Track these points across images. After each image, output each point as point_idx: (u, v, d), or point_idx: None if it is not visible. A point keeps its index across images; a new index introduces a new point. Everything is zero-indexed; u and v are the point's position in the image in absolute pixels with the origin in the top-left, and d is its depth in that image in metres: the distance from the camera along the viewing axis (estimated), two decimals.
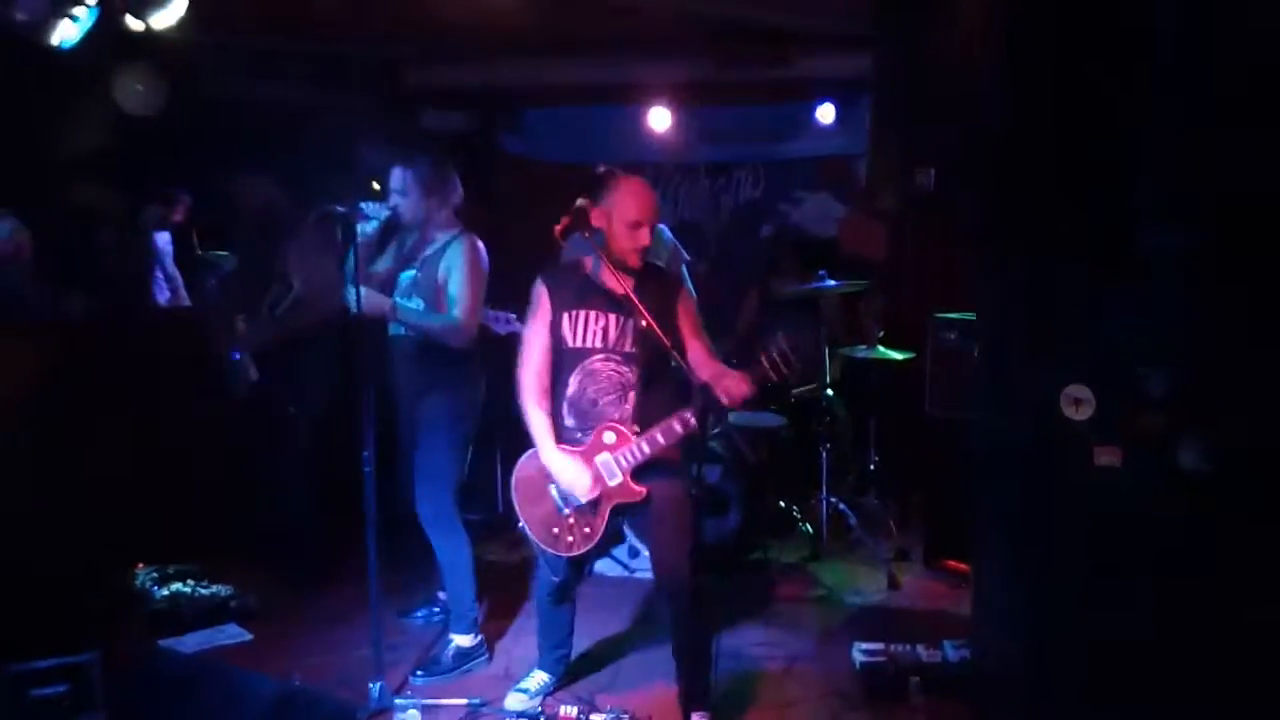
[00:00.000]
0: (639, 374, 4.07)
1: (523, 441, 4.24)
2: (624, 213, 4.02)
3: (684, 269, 6.01)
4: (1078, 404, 3.42)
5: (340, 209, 4.36)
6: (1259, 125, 3.14)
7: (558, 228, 4.00)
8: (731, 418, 6.10)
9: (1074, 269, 3.48)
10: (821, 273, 6.18)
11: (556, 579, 4.36)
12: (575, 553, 4.19)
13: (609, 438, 4.05)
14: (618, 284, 3.99)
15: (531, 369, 4.18)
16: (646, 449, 4.00)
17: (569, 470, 4.07)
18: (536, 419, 4.14)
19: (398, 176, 4.69)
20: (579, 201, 4.08)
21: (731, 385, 3.85)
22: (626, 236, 4.02)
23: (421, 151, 4.79)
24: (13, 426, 5.74)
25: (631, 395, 4.08)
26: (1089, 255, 3.45)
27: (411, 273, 4.71)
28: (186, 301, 7.75)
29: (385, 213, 4.59)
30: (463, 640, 4.78)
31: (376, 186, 4.58)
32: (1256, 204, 3.19)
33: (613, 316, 4.09)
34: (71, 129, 6.91)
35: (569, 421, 4.15)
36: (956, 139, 3.52)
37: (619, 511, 4.15)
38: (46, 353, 6.08)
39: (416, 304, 4.67)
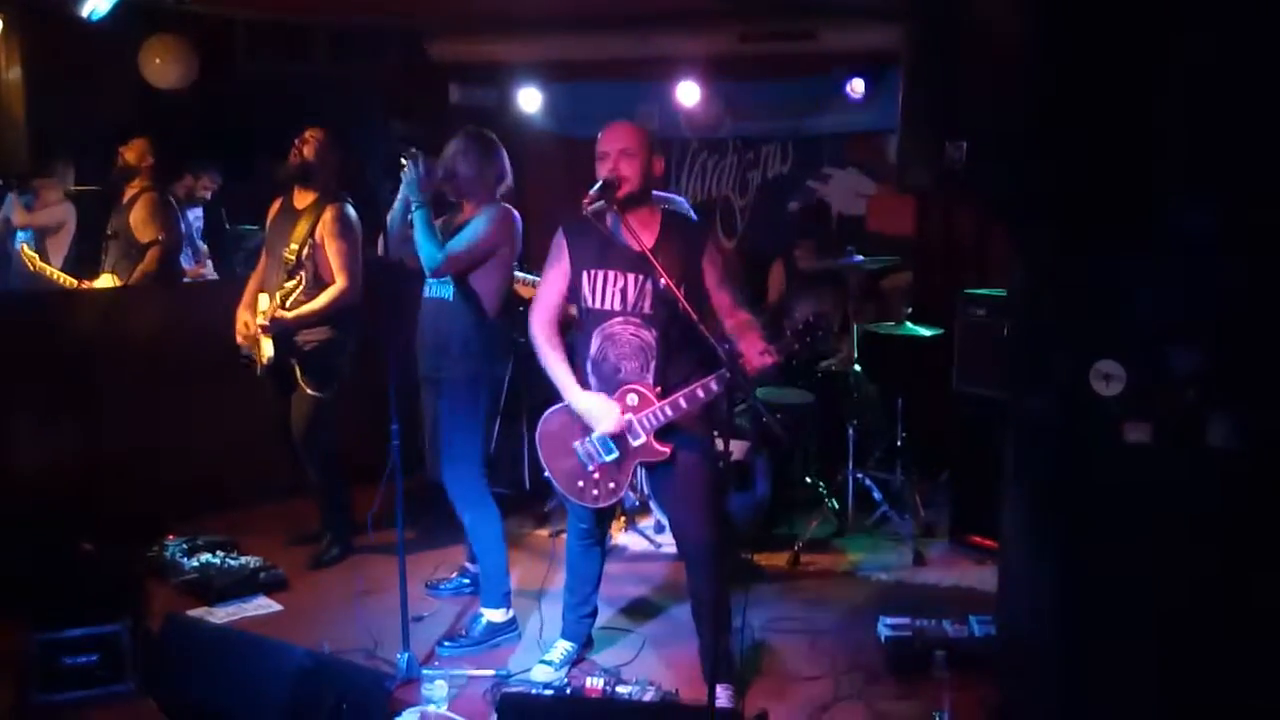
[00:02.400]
0: (659, 336, 4.05)
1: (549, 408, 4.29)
2: (597, 151, 4.05)
3: None
4: (1108, 379, 3.40)
5: (411, 150, 4.46)
6: None
7: (586, 200, 3.99)
8: (759, 393, 6.09)
9: (1105, 245, 3.45)
10: (850, 249, 6.15)
11: (584, 525, 4.41)
12: (601, 505, 4.25)
13: (632, 399, 4.06)
14: (636, 242, 3.95)
15: (543, 313, 4.22)
16: (669, 412, 4.00)
17: (596, 405, 4.09)
18: (553, 361, 4.17)
19: (459, 141, 4.72)
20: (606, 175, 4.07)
21: (751, 351, 3.86)
22: (599, 169, 4.03)
23: (478, 128, 4.81)
24: (46, 393, 5.81)
25: (653, 361, 4.06)
26: (1120, 231, 3.42)
27: None
28: (213, 275, 7.78)
29: (436, 169, 4.60)
30: (494, 615, 4.80)
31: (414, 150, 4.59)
32: None
33: (631, 276, 4.06)
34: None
35: (592, 381, 4.16)
36: (988, 113, 3.49)
37: (646, 467, 4.20)
38: (77, 322, 6.14)
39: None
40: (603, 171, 4.01)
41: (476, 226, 4.64)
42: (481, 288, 4.68)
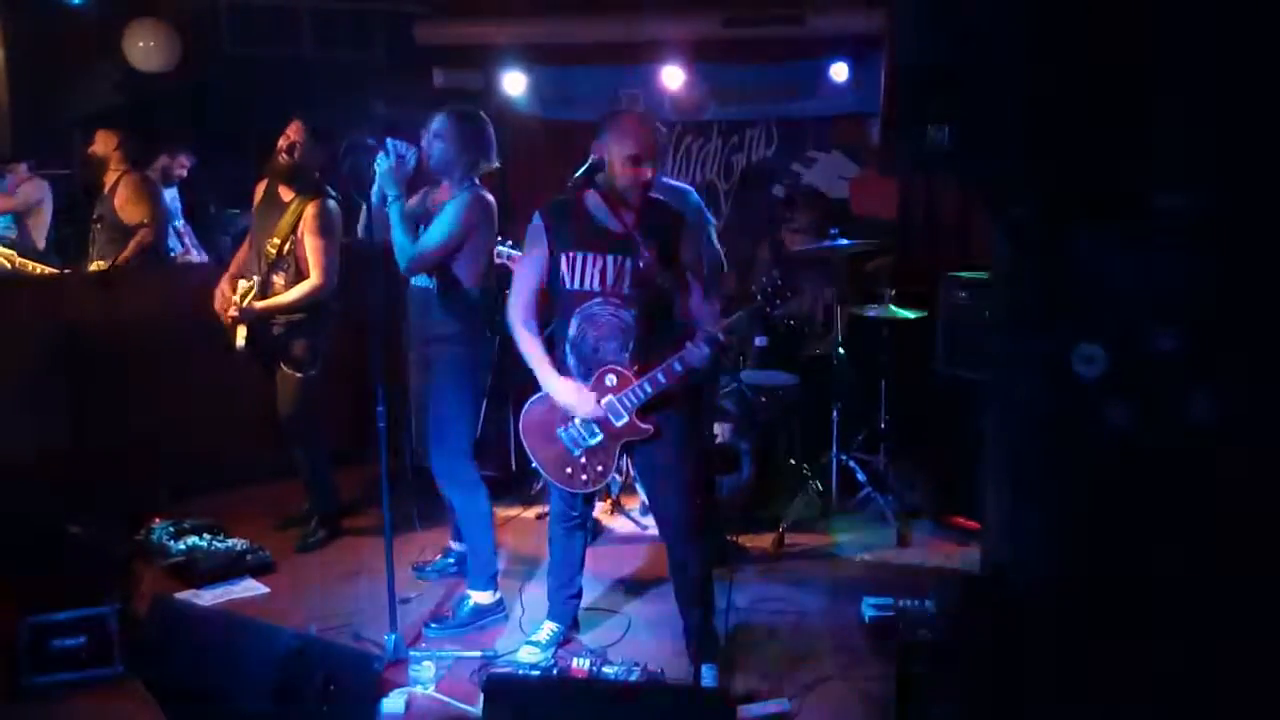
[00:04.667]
0: (638, 316, 4.05)
1: (533, 394, 4.29)
2: (622, 148, 3.98)
3: (711, 231, 6.00)
4: (1089, 361, 3.43)
5: (369, 140, 4.42)
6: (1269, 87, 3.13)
7: (572, 184, 4.00)
8: (744, 375, 6.13)
9: (1086, 227, 3.48)
10: (833, 231, 6.18)
11: (575, 513, 4.43)
12: (590, 489, 4.26)
13: (610, 380, 4.07)
14: (618, 223, 3.97)
15: (521, 299, 4.17)
16: (649, 388, 4.01)
17: (568, 393, 4.09)
18: (527, 340, 4.14)
19: (440, 120, 4.69)
20: (592, 158, 4.07)
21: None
22: (626, 173, 3.98)
23: (464, 107, 4.81)
24: (33, 377, 5.81)
25: (632, 341, 4.06)
26: (1101, 214, 3.44)
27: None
28: (201, 257, 7.77)
29: (414, 152, 4.57)
30: (481, 597, 4.81)
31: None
32: (1266, 165, 3.19)
33: (611, 258, 4.04)
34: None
35: (570, 362, 4.15)
36: (972, 97, 3.51)
37: (630, 447, 4.19)
38: (64, 305, 6.14)
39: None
40: (640, 175, 3.99)
41: (445, 218, 4.61)
42: (462, 274, 4.68)
